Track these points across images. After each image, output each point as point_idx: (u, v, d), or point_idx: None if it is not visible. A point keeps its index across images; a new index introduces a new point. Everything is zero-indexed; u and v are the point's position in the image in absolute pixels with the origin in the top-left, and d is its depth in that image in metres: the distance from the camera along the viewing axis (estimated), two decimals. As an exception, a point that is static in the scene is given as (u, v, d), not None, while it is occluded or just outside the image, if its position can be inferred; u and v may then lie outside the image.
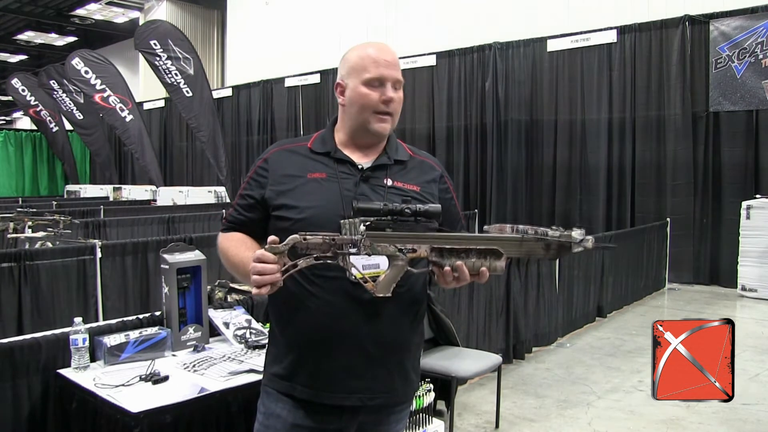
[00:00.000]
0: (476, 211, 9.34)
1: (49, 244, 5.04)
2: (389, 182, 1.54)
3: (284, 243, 1.31)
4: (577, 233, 1.33)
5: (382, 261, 1.43)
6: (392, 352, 1.51)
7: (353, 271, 1.34)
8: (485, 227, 1.39)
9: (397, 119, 1.58)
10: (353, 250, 1.33)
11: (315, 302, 1.44)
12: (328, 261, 1.33)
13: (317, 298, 1.44)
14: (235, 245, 1.54)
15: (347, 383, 1.47)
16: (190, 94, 11.91)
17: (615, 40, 8.52)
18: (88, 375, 2.16)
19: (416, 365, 1.61)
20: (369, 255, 1.35)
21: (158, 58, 11.73)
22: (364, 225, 1.34)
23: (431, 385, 2.86)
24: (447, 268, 1.34)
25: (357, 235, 1.33)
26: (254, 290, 1.33)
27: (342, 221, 1.36)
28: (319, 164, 1.53)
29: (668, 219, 7.49)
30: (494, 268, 1.35)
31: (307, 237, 1.32)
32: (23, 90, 16.84)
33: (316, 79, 12.37)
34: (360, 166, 1.54)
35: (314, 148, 1.56)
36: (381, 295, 1.35)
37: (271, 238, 1.34)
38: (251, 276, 1.32)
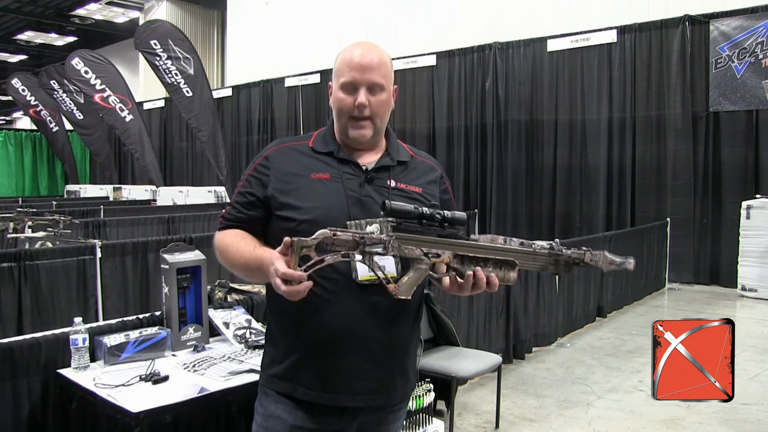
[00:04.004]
0: (476, 211, 9.34)
1: (49, 244, 5.04)
2: (392, 183, 1.53)
3: (313, 237, 1.27)
4: (619, 259, 1.39)
5: (389, 263, 1.43)
6: (395, 354, 1.51)
7: (378, 273, 1.32)
8: (473, 237, 1.39)
9: (382, 122, 1.53)
10: (380, 250, 1.31)
11: (319, 303, 1.42)
12: (355, 259, 1.31)
13: (322, 300, 1.42)
14: (235, 242, 1.50)
15: (351, 385, 1.46)
16: (190, 94, 11.91)
17: (615, 40, 8.52)
18: (88, 375, 2.16)
19: (414, 364, 1.62)
20: (395, 256, 1.35)
21: (158, 58, 11.74)
22: (391, 226, 1.33)
23: (431, 385, 2.85)
24: (469, 273, 1.34)
25: (386, 236, 1.32)
26: (283, 290, 1.29)
27: (348, 222, 1.36)
28: (322, 164, 1.51)
29: (668, 219, 7.49)
30: (507, 279, 1.37)
31: (337, 233, 1.29)
32: (23, 90, 16.84)
33: (316, 79, 12.38)
34: (364, 167, 1.52)
35: (316, 148, 1.54)
36: (403, 297, 1.34)
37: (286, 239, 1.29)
38: (278, 286, 1.28)
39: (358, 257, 1.30)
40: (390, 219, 1.34)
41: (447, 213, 1.37)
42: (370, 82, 1.48)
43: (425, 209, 1.35)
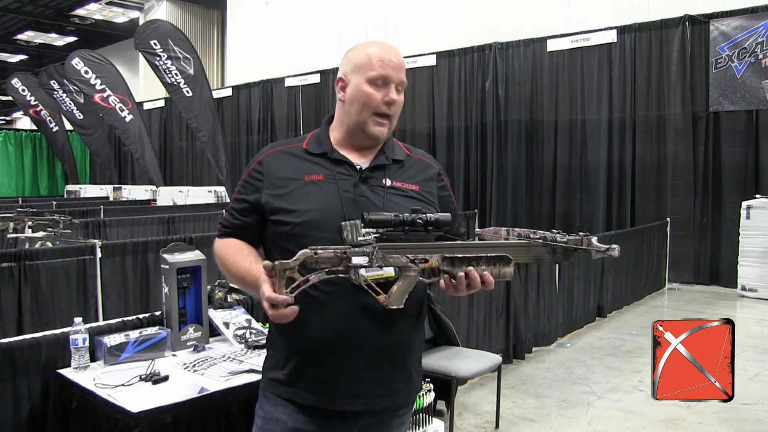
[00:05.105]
0: (476, 211, 9.34)
1: (49, 244, 5.04)
2: (388, 182, 1.51)
3: (294, 259, 1.28)
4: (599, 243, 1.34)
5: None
6: (396, 355, 1.49)
7: (365, 286, 1.31)
8: (477, 231, 1.38)
9: (395, 123, 1.55)
10: (365, 263, 1.30)
11: (318, 307, 1.40)
12: (340, 275, 1.30)
13: (320, 303, 1.40)
14: (233, 254, 1.50)
15: (351, 388, 1.44)
16: (190, 94, 11.91)
17: (615, 40, 8.52)
18: (88, 375, 2.16)
19: (418, 366, 1.59)
20: (381, 267, 1.33)
21: (158, 58, 11.74)
22: (373, 236, 1.32)
23: (431, 385, 2.86)
24: (461, 274, 1.32)
25: (368, 248, 1.30)
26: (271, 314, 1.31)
27: (343, 223, 1.34)
28: (315, 166, 1.50)
29: (668, 219, 7.49)
30: (503, 275, 1.34)
31: (318, 251, 1.29)
32: (23, 90, 16.84)
33: (316, 79, 12.37)
34: (358, 167, 1.51)
35: (310, 149, 1.53)
36: (394, 307, 1.33)
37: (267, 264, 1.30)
38: (266, 309, 1.30)
39: (344, 273, 1.30)
40: (373, 228, 1.32)
41: (430, 216, 1.35)
42: (400, 81, 1.52)
43: (405, 215, 1.33)
